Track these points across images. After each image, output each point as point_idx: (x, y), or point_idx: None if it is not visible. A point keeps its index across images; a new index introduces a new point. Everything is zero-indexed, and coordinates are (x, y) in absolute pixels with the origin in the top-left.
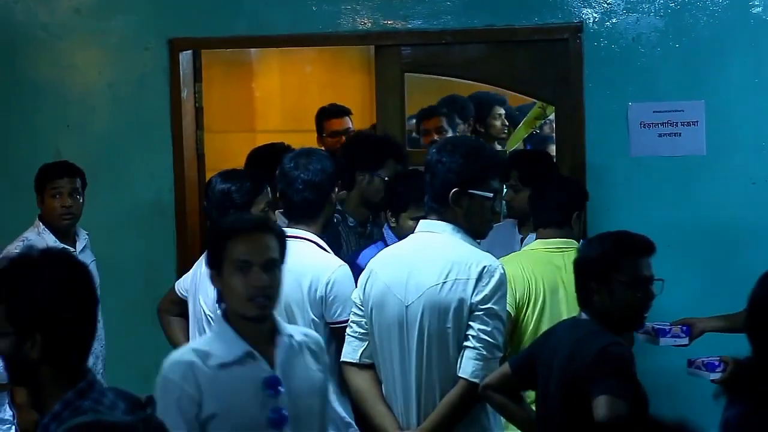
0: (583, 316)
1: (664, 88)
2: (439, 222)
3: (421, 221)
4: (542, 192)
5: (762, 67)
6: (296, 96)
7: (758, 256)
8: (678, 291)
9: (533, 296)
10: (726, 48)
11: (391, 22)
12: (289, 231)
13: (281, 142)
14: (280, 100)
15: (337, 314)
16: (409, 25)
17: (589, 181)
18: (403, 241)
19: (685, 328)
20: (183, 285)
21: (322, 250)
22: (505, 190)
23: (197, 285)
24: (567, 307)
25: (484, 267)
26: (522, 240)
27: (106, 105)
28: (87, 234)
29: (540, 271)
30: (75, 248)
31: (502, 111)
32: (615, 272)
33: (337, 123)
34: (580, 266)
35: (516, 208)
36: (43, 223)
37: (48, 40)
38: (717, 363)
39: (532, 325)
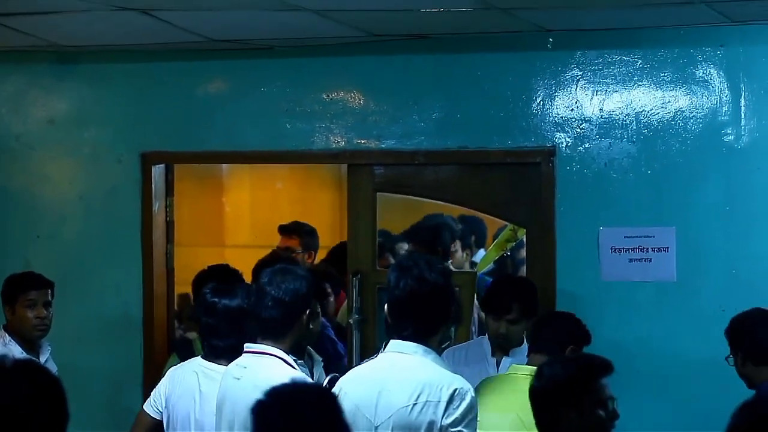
0: None
1: (635, 214)
2: (410, 343)
3: (391, 341)
4: (545, 322)
5: (733, 194)
6: (266, 211)
7: (729, 385)
8: (647, 417)
9: None
10: (697, 175)
11: (365, 141)
12: (256, 347)
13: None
14: (250, 215)
15: None
16: (382, 145)
17: (559, 305)
18: (372, 360)
19: None
20: (156, 402)
21: (289, 366)
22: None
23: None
24: None
25: (455, 390)
26: (498, 363)
27: (76, 216)
28: (50, 345)
29: None
30: (39, 359)
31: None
32: (586, 395)
33: (283, 240)
34: (546, 393)
35: (512, 339)
36: (9, 334)
37: (20, 150)
38: None
39: None
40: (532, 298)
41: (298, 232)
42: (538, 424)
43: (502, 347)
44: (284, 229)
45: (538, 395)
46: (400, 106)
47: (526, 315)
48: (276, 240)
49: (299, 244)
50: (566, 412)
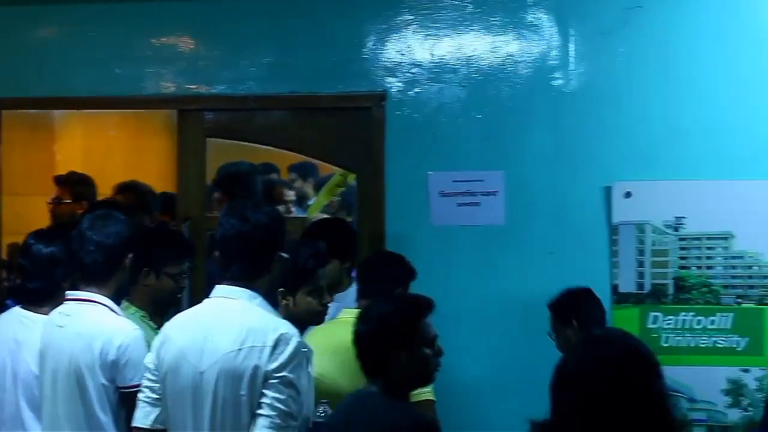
0: (372, 388)
1: (464, 158)
2: (235, 287)
3: (217, 286)
4: (371, 267)
5: (561, 138)
6: (99, 160)
7: None
8: (476, 358)
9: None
10: (526, 119)
11: (195, 86)
12: (80, 294)
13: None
14: (82, 163)
15: (129, 379)
16: (213, 90)
17: (389, 249)
18: (199, 306)
19: None
20: None
21: (114, 314)
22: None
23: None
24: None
25: (281, 335)
26: None
27: None
28: None
29: None
30: None
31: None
32: (414, 334)
33: (57, 190)
34: (375, 335)
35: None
36: None
37: None
38: None
39: None
40: (340, 237)
41: (67, 182)
42: (366, 367)
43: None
44: (56, 180)
45: (366, 338)
46: (230, 51)
47: (335, 255)
48: (109, 188)
49: (69, 194)
50: (396, 353)
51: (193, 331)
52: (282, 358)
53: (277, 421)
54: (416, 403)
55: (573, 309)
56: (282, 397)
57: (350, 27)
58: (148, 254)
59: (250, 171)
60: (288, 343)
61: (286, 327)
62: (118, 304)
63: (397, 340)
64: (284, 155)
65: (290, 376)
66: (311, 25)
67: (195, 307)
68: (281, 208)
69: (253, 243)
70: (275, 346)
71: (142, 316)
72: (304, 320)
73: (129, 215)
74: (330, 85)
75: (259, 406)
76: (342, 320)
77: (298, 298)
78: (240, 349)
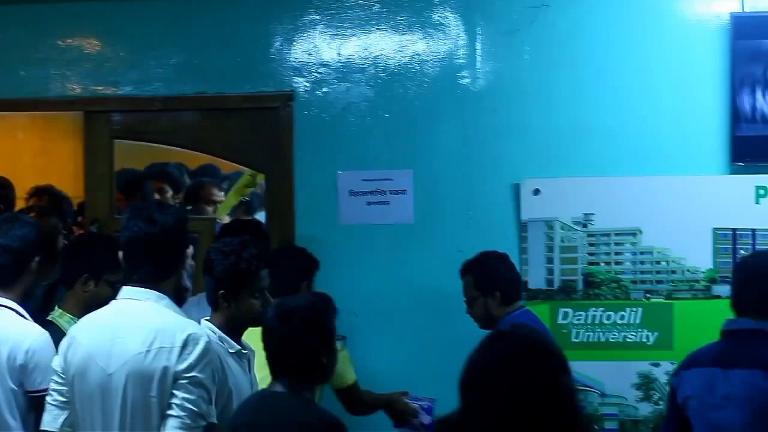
0: (278, 387)
1: (373, 157)
2: (142, 289)
3: (123, 288)
4: (275, 261)
5: (469, 137)
6: (7, 162)
7: (466, 322)
8: (388, 356)
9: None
10: (434, 118)
11: (101, 88)
12: None
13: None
14: None
15: (37, 383)
16: (120, 92)
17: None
18: (105, 308)
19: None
20: None
21: (21, 318)
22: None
23: None
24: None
25: (189, 335)
26: None
27: None
28: None
29: None
30: None
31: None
32: (333, 333)
33: None
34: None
35: None
36: None
37: None
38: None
39: None
40: (257, 240)
41: None
42: (280, 365)
43: None
44: None
45: (287, 337)
46: (137, 52)
47: None
48: (18, 191)
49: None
50: (319, 351)
51: (101, 334)
52: (191, 359)
53: (187, 421)
54: (347, 388)
55: (497, 279)
56: (192, 397)
57: (257, 27)
58: (88, 260)
59: (145, 174)
60: (197, 344)
61: (194, 327)
62: (25, 307)
63: (321, 339)
64: (193, 156)
65: (200, 376)
66: (218, 26)
67: (101, 309)
68: (210, 208)
69: (160, 245)
70: (184, 347)
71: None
72: (246, 322)
73: (43, 218)
74: (237, 85)
75: (169, 406)
76: None
77: (241, 300)
78: (149, 351)
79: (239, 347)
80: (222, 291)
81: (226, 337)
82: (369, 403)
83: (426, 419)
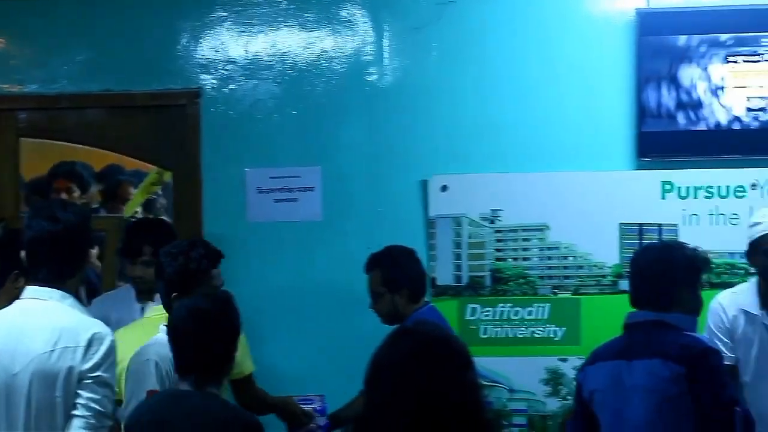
0: (184, 385)
1: (281, 154)
2: (45, 288)
3: (27, 288)
4: None
5: (376, 133)
6: None
7: (374, 319)
8: (297, 354)
9: None
10: (342, 115)
11: (7, 86)
12: None
13: None
14: None
15: None
16: (25, 89)
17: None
18: (9, 307)
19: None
20: None
21: None
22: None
23: None
24: None
25: (94, 334)
26: (143, 309)
27: None
28: None
29: None
30: None
31: None
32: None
33: None
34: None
35: (149, 281)
36: None
37: None
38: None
39: None
40: (163, 239)
41: None
42: (189, 363)
43: (143, 291)
44: None
45: (203, 336)
46: (42, 49)
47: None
48: None
49: None
50: (232, 349)
51: (5, 334)
52: (96, 358)
53: (92, 421)
54: (244, 379)
55: (405, 277)
56: (97, 397)
57: (164, 24)
58: (17, 258)
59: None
60: (102, 343)
61: (99, 326)
62: None
63: (231, 338)
64: (100, 154)
65: (105, 375)
66: (124, 23)
67: (4, 309)
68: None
69: (64, 243)
70: (89, 346)
71: None
72: None
73: None
74: (144, 82)
75: (74, 406)
76: (148, 319)
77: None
78: (53, 350)
79: None
80: (174, 293)
81: None
82: (264, 400)
83: (321, 421)
